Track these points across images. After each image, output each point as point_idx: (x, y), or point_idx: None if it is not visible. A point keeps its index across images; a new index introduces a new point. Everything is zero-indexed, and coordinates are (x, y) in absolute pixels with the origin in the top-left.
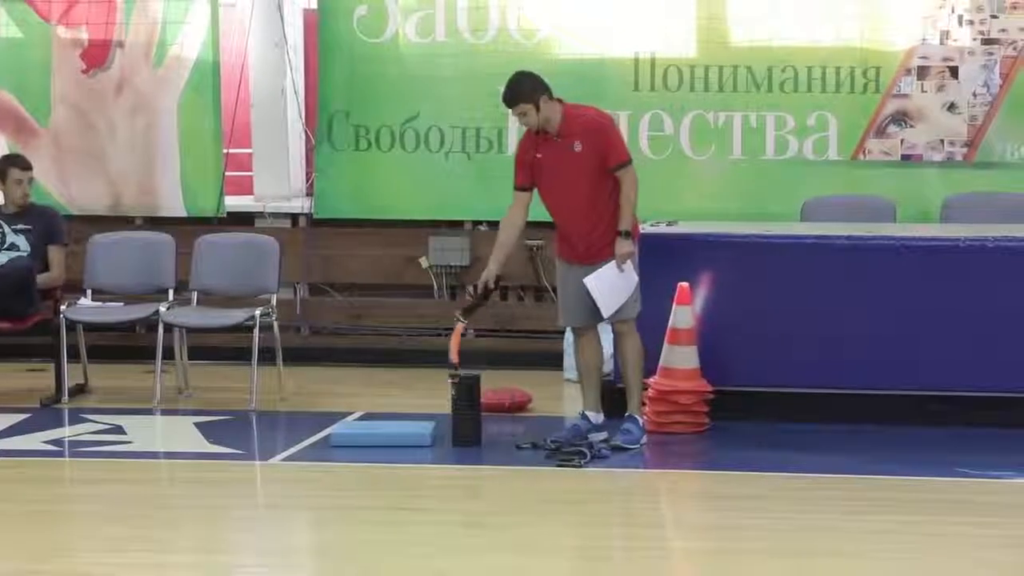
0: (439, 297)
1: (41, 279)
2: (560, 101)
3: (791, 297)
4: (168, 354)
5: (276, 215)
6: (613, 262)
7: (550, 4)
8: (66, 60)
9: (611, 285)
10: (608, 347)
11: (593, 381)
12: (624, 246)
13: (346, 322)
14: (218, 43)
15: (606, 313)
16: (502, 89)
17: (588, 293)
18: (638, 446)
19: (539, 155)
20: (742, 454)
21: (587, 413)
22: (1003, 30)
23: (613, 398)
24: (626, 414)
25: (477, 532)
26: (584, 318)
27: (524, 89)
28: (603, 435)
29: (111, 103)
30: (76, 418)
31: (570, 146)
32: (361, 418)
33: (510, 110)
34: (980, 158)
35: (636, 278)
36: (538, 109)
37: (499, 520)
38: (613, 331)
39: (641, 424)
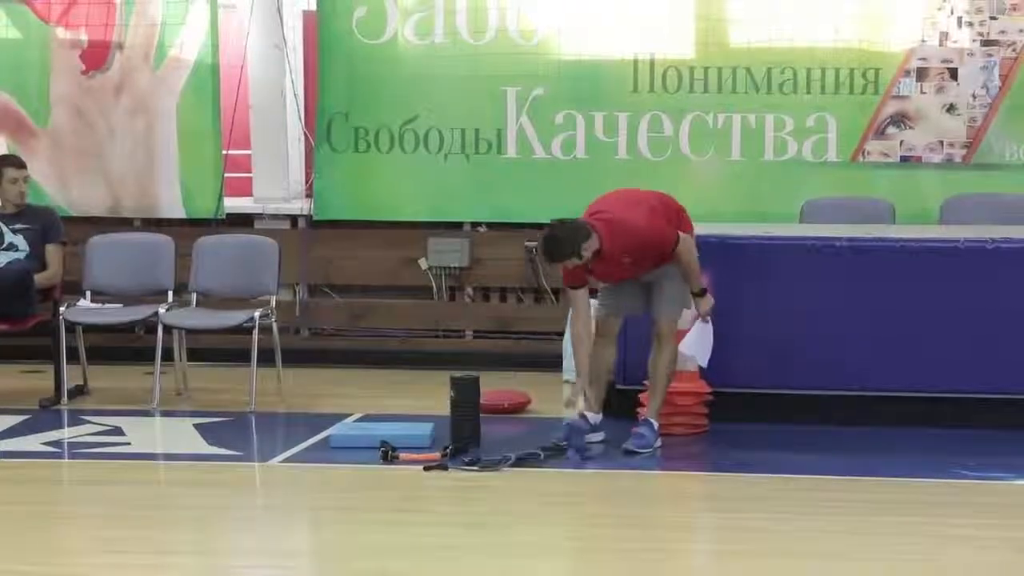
0: (438, 298)
1: (39, 277)
2: (594, 228)
3: (790, 298)
4: (167, 355)
5: (275, 216)
6: (699, 321)
7: (549, 5)
8: (65, 61)
9: (701, 340)
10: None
11: (600, 383)
12: (705, 304)
13: (345, 323)
14: (217, 45)
15: (705, 363)
16: (504, 89)
17: (637, 290)
18: (650, 450)
19: (589, 267)
20: (742, 456)
21: (586, 414)
22: (1002, 32)
23: (618, 400)
24: (643, 417)
25: (477, 533)
26: (625, 310)
27: (564, 248)
28: (600, 435)
29: (110, 104)
30: (75, 419)
31: (619, 260)
32: (360, 419)
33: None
34: (979, 159)
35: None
36: (580, 256)
37: (499, 521)
38: (656, 332)
39: (657, 429)
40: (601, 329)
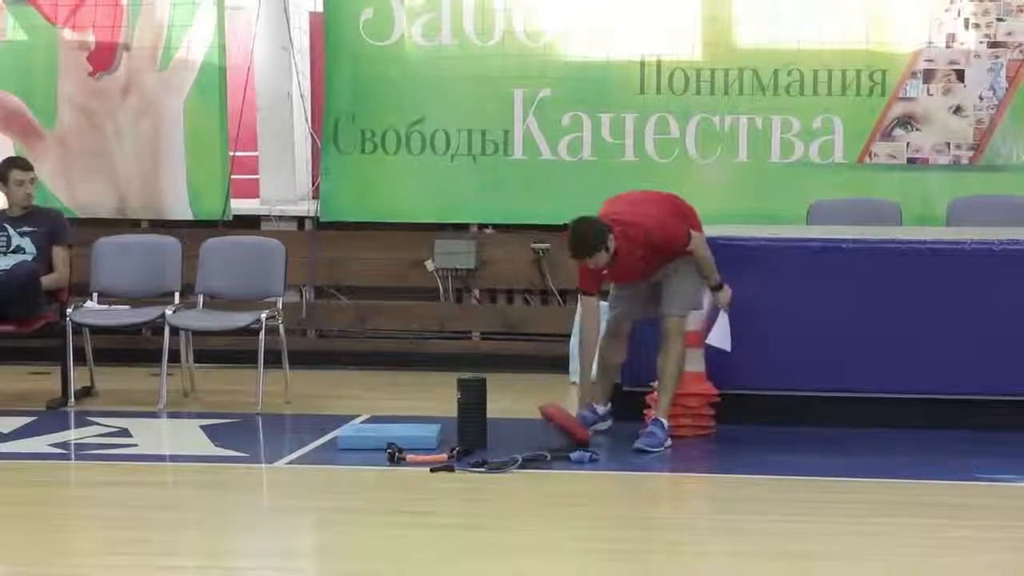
0: (445, 300)
1: (46, 280)
2: (609, 228)
3: (797, 300)
4: (174, 357)
5: (282, 218)
6: (722, 313)
7: (556, 7)
8: (72, 63)
9: (723, 328)
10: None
11: (609, 378)
12: (724, 296)
13: (352, 325)
14: (224, 46)
15: (729, 347)
16: (511, 91)
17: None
18: (661, 449)
19: (605, 272)
20: (748, 458)
21: (594, 405)
22: (1009, 33)
23: (624, 402)
24: (653, 417)
25: (481, 535)
26: (635, 314)
27: (591, 241)
28: (607, 424)
29: (117, 106)
30: (82, 421)
31: (633, 261)
32: (367, 421)
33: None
34: (986, 161)
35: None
36: (607, 249)
37: (505, 522)
38: (663, 330)
39: (667, 427)
40: (612, 330)
